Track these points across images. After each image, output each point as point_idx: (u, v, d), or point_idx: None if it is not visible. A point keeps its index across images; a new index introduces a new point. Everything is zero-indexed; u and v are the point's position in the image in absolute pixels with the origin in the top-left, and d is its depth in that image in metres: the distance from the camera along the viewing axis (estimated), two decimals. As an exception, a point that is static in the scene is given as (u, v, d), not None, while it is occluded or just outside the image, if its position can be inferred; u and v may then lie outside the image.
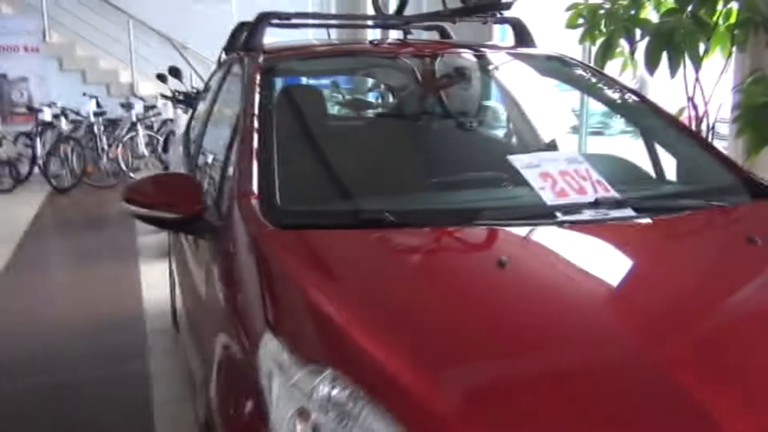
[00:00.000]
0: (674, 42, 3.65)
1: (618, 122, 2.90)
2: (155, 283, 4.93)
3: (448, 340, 1.42)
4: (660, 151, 2.48)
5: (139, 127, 9.53)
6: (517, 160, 2.06)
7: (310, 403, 1.31)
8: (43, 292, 5.24)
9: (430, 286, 1.62)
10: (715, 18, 4.14)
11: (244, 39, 2.90)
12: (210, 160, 2.69)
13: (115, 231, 7.01)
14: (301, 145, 2.37)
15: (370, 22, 3.78)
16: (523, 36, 3.08)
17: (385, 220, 1.81)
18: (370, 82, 3.11)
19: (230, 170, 2.13)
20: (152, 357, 3.88)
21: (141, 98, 10.09)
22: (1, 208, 8.37)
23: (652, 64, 3.68)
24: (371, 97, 3.11)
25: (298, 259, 1.69)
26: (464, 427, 1.23)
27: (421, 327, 1.46)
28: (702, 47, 3.86)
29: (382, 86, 3.08)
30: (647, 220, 1.92)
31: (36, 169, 9.33)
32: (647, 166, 2.45)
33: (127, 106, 9.64)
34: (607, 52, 3.86)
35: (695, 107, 4.32)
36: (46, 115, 9.43)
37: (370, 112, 2.99)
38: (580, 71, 2.89)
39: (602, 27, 4.27)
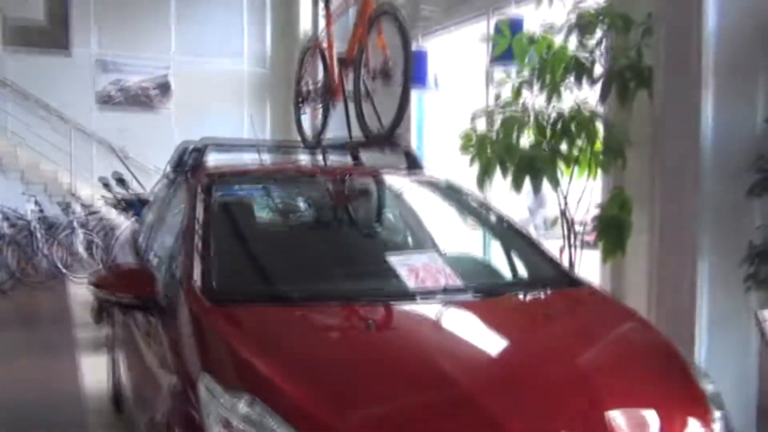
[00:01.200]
0: (535, 168, 4.59)
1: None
2: (93, 370, 5.38)
3: (329, 373, 2.13)
4: (507, 250, 3.31)
5: (76, 227, 10.00)
6: (392, 257, 2.82)
7: (232, 415, 1.97)
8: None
9: (319, 339, 2.34)
10: (575, 148, 5.12)
11: (190, 160, 3.64)
12: (159, 256, 3.36)
13: (53, 326, 7.41)
14: (232, 243, 3.09)
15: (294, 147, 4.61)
16: (413, 160, 3.93)
17: (291, 298, 2.53)
18: (291, 194, 3.89)
19: (177, 262, 2.81)
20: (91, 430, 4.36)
21: (80, 200, 10.60)
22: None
23: (516, 187, 4.61)
24: (291, 207, 3.87)
25: (226, 323, 2.39)
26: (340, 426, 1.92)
27: (309, 364, 2.16)
28: (559, 172, 4.81)
29: (301, 198, 3.86)
30: (479, 300, 2.70)
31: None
32: (500, 262, 3.28)
33: (66, 207, 10.14)
34: (484, 175, 4.77)
35: (566, 219, 5.25)
36: (-15, 216, 9.82)
37: (290, 218, 3.75)
38: (452, 190, 3.73)
39: (488, 152, 5.21)
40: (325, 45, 4.60)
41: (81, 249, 9.92)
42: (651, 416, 2.16)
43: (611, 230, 4.95)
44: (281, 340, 2.32)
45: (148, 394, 2.73)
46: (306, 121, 5.00)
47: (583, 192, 5.35)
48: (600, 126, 5.12)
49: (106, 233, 9.58)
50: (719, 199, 4.06)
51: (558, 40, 5.01)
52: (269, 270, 2.97)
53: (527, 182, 4.82)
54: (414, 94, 9.09)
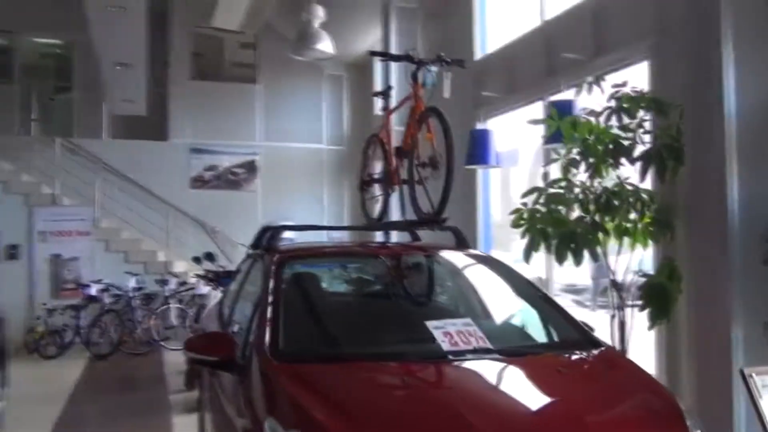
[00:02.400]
0: (576, 241, 5.01)
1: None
2: (184, 429, 6.00)
3: (368, 419, 2.63)
4: (536, 316, 3.75)
5: (170, 301, 10.89)
6: (431, 324, 3.31)
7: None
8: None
9: (362, 390, 2.85)
10: (627, 221, 5.50)
11: (265, 240, 4.26)
12: (238, 323, 3.97)
13: (149, 391, 8.14)
14: (298, 311, 3.66)
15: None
16: (461, 239, 4.44)
17: (342, 357, 3.06)
18: (351, 270, 4.47)
19: (252, 328, 3.39)
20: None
21: (175, 275, 11.53)
22: (48, 372, 9.54)
23: (559, 258, 5.03)
24: (351, 281, 4.44)
25: (287, 377, 2.93)
26: None
27: (353, 411, 2.66)
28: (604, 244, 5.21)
29: (359, 273, 4.43)
30: (503, 360, 3.16)
31: (77, 339, 10.60)
32: (530, 326, 3.73)
33: (162, 282, 11.08)
34: (531, 248, 5.22)
35: (615, 287, 5.61)
36: (93, 290, 10.85)
37: (349, 290, 4.30)
38: (493, 264, 4.21)
39: (536, 227, 5.67)
40: (384, 137, 5.23)
41: (174, 320, 10.76)
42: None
43: (658, 298, 5.27)
44: (331, 391, 2.83)
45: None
46: (370, 204, 5.61)
47: (629, 261, 5.71)
48: (646, 200, 5.51)
49: (198, 306, 10.39)
50: (746, 266, 4.35)
51: (599, 122, 5.49)
52: (327, 334, 3.52)
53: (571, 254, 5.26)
54: (479, 171, 9.67)
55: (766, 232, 4.17)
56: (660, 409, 2.91)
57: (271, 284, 3.61)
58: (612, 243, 5.73)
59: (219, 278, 8.24)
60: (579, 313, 5.48)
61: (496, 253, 7.94)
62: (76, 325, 10.71)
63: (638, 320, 5.62)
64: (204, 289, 10.14)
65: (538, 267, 8.14)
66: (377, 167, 5.46)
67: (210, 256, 8.76)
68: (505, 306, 4.02)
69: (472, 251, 4.32)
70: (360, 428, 2.57)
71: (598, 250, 5.19)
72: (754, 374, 2.72)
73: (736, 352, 4.36)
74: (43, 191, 12.00)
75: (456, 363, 3.10)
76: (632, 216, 5.54)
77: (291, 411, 2.71)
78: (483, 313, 3.98)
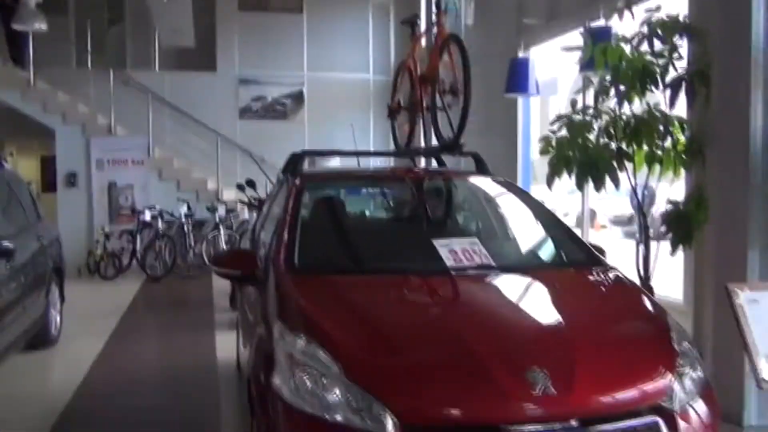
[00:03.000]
0: (598, 168, 5.06)
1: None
2: (226, 346, 6.40)
3: (365, 325, 2.85)
4: (545, 236, 3.90)
5: (221, 227, 11.34)
6: (438, 243, 3.48)
7: (294, 350, 2.72)
8: (141, 350, 6.81)
9: (362, 299, 3.07)
10: (658, 149, 5.51)
11: (289, 165, 4.47)
12: (263, 241, 4.23)
13: (197, 310, 8.63)
14: (313, 230, 3.87)
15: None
16: (481, 165, 4.56)
17: (350, 270, 3.28)
18: (369, 192, 4.66)
19: (272, 245, 3.64)
20: (221, 392, 5.31)
21: (224, 203, 11.95)
22: (107, 291, 10.16)
23: (578, 185, 5.10)
24: (368, 202, 4.64)
25: (297, 287, 3.17)
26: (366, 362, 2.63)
27: (352, 317, 2.89)
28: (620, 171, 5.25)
29: (377, 195, 4.62)
30: (501, 275, 3.34)
31: (134, 262, 11.20)
32: (538, 245, 3.88)
33: (212, 210, 11.51)
34: (553, 174, 5.29)
35: (642, 215, 5.67)
36: (146, 216, 11.37)
37: (366, 211, 4.50)
38: (509, 188, 4.33)
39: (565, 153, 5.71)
40: (411, 65, 5.32)
41: (223, 244, 11.22)
42: (618, 364, 2.71)
43: (680, 224, 5.31)
44: (334, 299, 3.07)
45: (249, 342, 3.57)
46: (399, 131, 5.75)
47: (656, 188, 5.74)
48: (677, 128, 5.49)
49: (244, 231, 10.80)
50: (765, 192, 4.36)
51: (631, 49, 5.43)
52: (339, 250, 3.76)
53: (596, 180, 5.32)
54: (520, 101, 9.62)
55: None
56: (648, 323, 3.06)
57: (291, 204, 3.82)
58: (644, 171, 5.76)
59: (261, 204, 8.56)
60: (610, 242, 5.59)
61: (536, 187, 8.01)
62: (132, 249, 11.30)
63: (666, 249, 5.69)
64: (249, 214, 10.52)
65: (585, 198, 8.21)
66: (405, 95, 5.58)
67: (251, 183, 9.06)
68: (516, 227, 4.16)
69: (490, 177, 4.44)
70: (357, 336, 2.80)
71: (626, 176, 5.24)
72: (737, 289, 2.82)
73: (752, 275, 4.41)
74: (99, 122, 12.46)
75: (456, 278, 3.28)
76: (666, 144, 5.54)
77: (297, 317, 2.96)
78: (493, 234, 4.14)
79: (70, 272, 11.33)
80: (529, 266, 3.66)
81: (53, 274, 6.81)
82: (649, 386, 2.66)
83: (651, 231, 5.80)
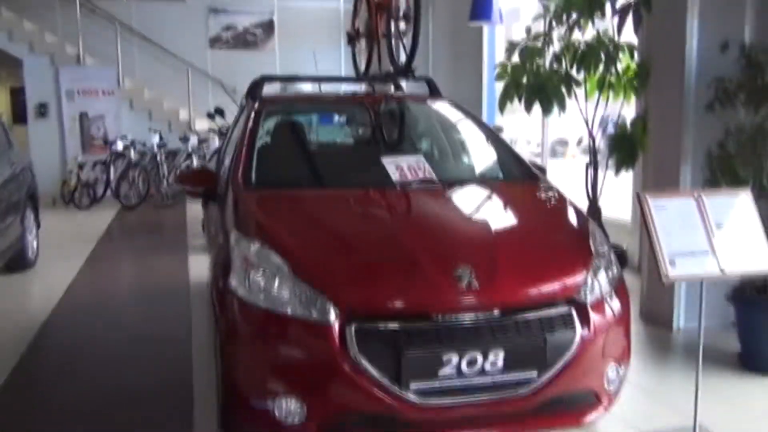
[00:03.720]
0: (546, 93, 5.34)
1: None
2: (198, 267, 6.70)
3: (311, 230, 3.16)
4: (488, 154, 4.21)
5: (193, 156, 11.50)
6: (386, 160, 3.76)
7: (248, 254, 3.02)
8: (116, 272, 7.11)
9: (310, 210, 3.38)
10: (599, 75, 5.78)
11: (250, 91, 4.69)
12: (224, 161, 4.48)
13: (171, 236, 8.91)
14: (269, 149, 4.14)
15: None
16: (433, 89, 4.81)
17: (300, 184, 3.58)
18: (325, 115, 4.90)
19: (232, 165, 3.90)
20: (193, 306, 5.64)
21: (196, 133, 12.07)
22: (82, 220, 10.37)
23: (527, 108, 5.38)
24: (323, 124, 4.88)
25: (252, 200, 3.47)
26: (311, 261, 2.93)
27: (300, 225, 3.19)
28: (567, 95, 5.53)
29: (332, 117, 4.86)
30: (442, 188, 3.66)
31: (108, 192, 11.37)
32: (482, 162, 4.19)
33: (185, 140, 11.65)
34: (504, 99, 5.56)
35: (591, 136, 5.97)
36: (119, 146, 11.49)
37: (320, 132, 4.75)
38: (457, 109, 4.60)
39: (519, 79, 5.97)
40: (368, -9, 5.47)
41: (196, 174, 11.36)
42: (537, 262, 3.05)
43: (623, 146, 5.64)
44: (285, 209, 3.37)
45: (212, 253, 3.87)
46: (358, 57, 5.93)
47: (600, 113, 6.02)
48: (627, 54, 5.74)
49: (216, 160, 10.99)
50: (697, 110, 4.65)
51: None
52: (293, 168, 4.05)
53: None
54: (485, 28, 9.76)
55: (715, 81, 4.45)
56: (571, 230, 3.41)
57: (249, 126, 4.07)
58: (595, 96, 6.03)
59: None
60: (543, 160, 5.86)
61: (502, 117, 8.25)
62: (106, 179, 11.45)
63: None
64: (219, 143, 10.69)
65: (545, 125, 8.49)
66: (364, 22, 5.74)
67: (220, 111, 9.22)
68: (462, 146, 4.46)
69: (442, 100, 4.69)
70: (306, 239, 3.11)
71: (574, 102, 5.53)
72: (647, 197, 3.13)
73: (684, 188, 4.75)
74: (67, 51, 12.39)
75: (400, 191, 3.58)
76: (617, 69, 5.81)
77: (252, 225, 3.25)
78: (441, 152, 4.44)
79: (45, 203, 11.51)
80: (469, 181, 3.97)
81: (28, 200, 7.02)
82: (565, 282, 3.00)
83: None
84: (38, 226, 7.39)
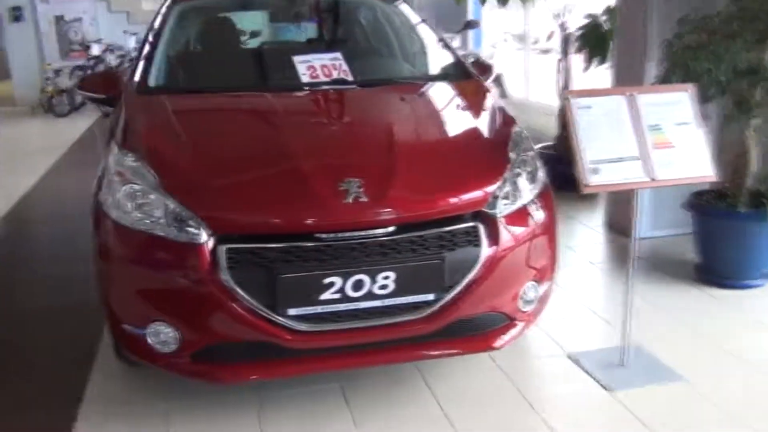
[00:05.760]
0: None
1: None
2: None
3: (198, 141, 2.84)
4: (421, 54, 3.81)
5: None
6: (298, 59, 3.38)
7: (122, 168, 2.72)
8: (75, 184, 6.88)
9: (204, 118, 3.08)
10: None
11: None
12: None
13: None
14: (177, 52, 3.76)
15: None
16: None
17: (206, 88, 3.24)
18: (246, 16, 4.43)
19: (131, 66, 3.55)
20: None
21: (175, 35, 11.55)
22: (57, 128, 10.09)
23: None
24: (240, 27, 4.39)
25: (140, 108, 3.14)
26: (190, 174, 2.63)
27: (187, 136, 2.87)
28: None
29: (253, 19, 4.40)
30: (357, 90, 3.30)
31: (89, 98, 11.03)
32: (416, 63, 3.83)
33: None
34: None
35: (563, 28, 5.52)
36: (95, 51, 11.06)
37: (235, 33, 4.27)
38: (405, 8, 4.17)
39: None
40: None
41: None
42: (440, 173, 2.72)
43: (593, 39, 5.20)
44: (174, 118, 3.01)
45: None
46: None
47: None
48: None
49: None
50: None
51: None
52: (197, 69, 3.67)
53: None
54: None
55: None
56: (490, 135, 3.05)
57: (156, 24, 3.70)
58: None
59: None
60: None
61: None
62: (84, 85, 11.07)
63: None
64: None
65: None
66: None
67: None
68: (396, 45, 4.04)
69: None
70: (185, 152, 2.78)
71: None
72: (571, 96, 2.76)
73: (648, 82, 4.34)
74: (38, -51, 11.80)
75: (305, 94, 3.24)
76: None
77: (133, 135, 2.94)
78: (368, 50, 4.02)
79: (23, 111, 11.29)
80: (392, 81, 3.57)
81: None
82: (472, 194, 2.68)
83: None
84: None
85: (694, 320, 3.48)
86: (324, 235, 2.48)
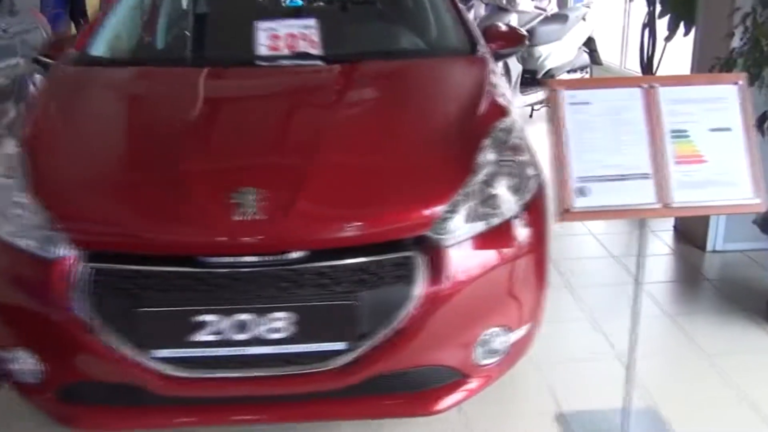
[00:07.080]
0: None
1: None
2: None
3: (95, 134, 2.37)
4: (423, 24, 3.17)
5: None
6: (261, 25, 2.80)
7: (2, 155, 2.29)
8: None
9: (118, 99, 2.66)
10: None
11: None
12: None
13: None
14: (136, 14, 3.27)
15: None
16: None
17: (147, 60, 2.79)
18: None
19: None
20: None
21: None
22: None
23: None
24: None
25: (62, 81, 2.70)
26: (65, 177, 2.17)
27: (87, 126, 2.40)
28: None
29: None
30: (318, 68, 2.70)
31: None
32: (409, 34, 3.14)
33: None
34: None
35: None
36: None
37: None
38: None
39: None
40: None
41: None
42: (372, 186, 2.09)
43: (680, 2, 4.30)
44: (90, 99, 2.57)
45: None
46: None
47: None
48: None
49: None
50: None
51: None
52: (145, 37, 3.17)
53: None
54: None
55: None
56: (462, 133, 2.33)
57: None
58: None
59: None
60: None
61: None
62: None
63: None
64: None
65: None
66: None
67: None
68: (394, 12, 3.36)
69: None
70: (74, 148, 2.30)
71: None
72: (557, 87, 2.02)
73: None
74: None
75: (251, 72, 2.69)
76: None
77: (31, 118, 2.51)
78: (357, 19, 3.33)
79: None
80: (376, 56, 2.87)
81: None
82: (411, 213, 2.04)
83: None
84: None
85: (746, 377, 2.67)
86: (205, 260, 1.94)
